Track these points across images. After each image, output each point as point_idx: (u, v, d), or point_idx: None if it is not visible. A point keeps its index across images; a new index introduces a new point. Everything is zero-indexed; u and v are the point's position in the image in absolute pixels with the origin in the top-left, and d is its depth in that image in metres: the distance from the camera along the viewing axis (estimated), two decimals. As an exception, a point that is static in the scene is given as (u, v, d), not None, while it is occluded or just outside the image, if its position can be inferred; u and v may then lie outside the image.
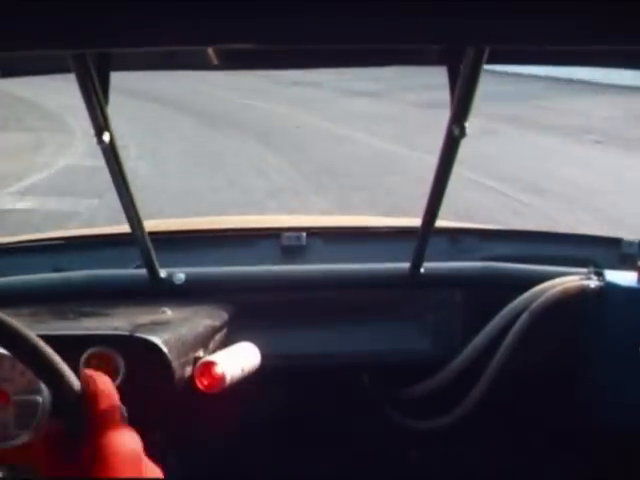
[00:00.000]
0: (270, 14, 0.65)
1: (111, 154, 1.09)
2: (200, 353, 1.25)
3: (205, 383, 1.21)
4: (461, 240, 1.56)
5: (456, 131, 1.05)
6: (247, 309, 1.41)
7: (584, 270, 1.35)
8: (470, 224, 1.82)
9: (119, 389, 1.13)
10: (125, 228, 1.30)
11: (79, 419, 0.72)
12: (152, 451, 0.85)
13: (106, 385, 0.74)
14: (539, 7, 0.63)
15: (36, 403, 1.07)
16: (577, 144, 8.57)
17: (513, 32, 0.74)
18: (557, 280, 1.32)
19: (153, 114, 10.99)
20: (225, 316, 1.38)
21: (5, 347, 0.78)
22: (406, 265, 1.36)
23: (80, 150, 8.12)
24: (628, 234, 1.52)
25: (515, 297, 1.33)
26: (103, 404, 0.72)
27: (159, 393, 1.19)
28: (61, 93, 9.38)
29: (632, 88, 11.31)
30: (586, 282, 1.31)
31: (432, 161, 1.18)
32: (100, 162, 1.13)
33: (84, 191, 6.34)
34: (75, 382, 0.73)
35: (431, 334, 1.43)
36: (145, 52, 0.97)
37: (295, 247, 1.49)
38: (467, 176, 6.24)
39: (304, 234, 1.51)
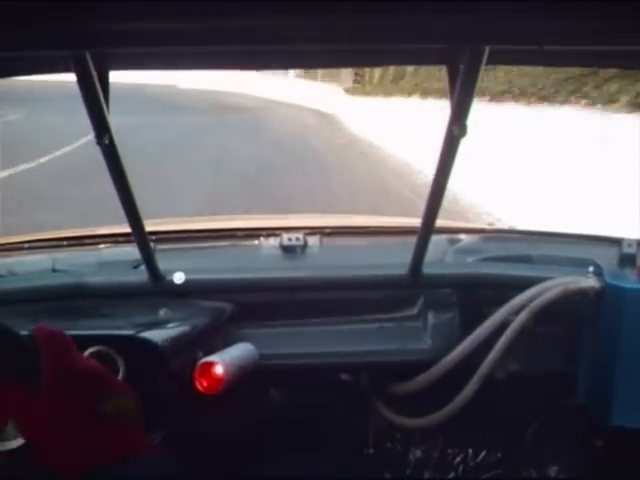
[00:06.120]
0: (270, 15, 0.65)
1: (111, 154, 1.09)
2: (200, 353, 1.25)
3: (204, 384, 1.21)
4: (461, 240, 1.56)
5: (456, 130, 1.05)
6: (247, 309, 1.41)
7: (584, 270, 1.35)
8: (470, 224, 1.82)
9: None
10: (125, 228, 1.30)
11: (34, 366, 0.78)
12: (152, 451, 0.85)
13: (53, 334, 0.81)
14: (539, 7, 0.63)
15: None
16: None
17: (513, 32, 0.74)
18: (557, 280, 1.32)
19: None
20: (225, 316, 1.38)
21: None
22: (406, 265, 1.36)
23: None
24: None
25: (515, 297, 1.33)
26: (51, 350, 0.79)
27: (159, 393, 1.19)
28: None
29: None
30: (586, 282, 1.31)
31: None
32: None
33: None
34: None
35: (431, 334, 1.43)
36: (145, 52, 0.97)
37: (295, 247, 1.49)
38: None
39: (304, 234, 1.50)
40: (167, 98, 19.48)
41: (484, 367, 1.33)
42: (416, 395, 1.42)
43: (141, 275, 1.36)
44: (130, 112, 12.44)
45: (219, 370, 1.21)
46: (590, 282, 1.31)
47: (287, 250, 1.49)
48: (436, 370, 1.37)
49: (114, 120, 1.04)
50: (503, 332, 1.32)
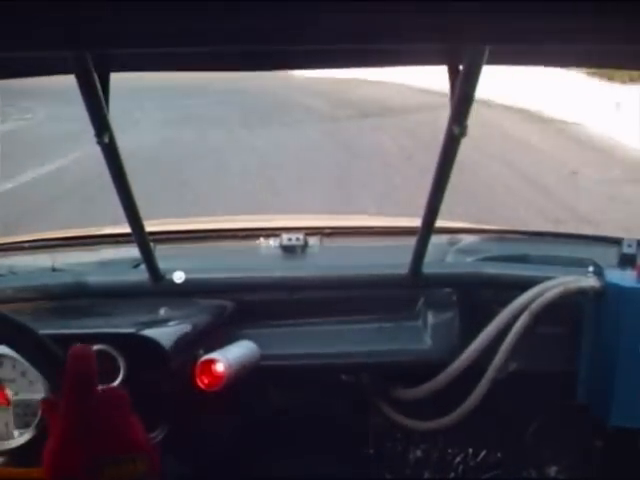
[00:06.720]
0: (270, 14, 0.65)
1: (111, 154, 1.09)
2: (200, 351, 1.25)
3: (206, 381, 1.22)
4: (461, 240, 1.56)
5: (456, 130, 1.05)
6: (247, 309, 1.41)
7: (584, 270, 1.35)
8: (470, 224, 1.82)
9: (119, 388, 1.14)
10: (125, 228, 1.30)
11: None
12: (152, 449, 0.85)
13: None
14: (539, 7, 0.63)
15: (37, 403, 1.08)
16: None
17: (513, 32, 0.74)
18: (557, 280, 1.32)
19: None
20: (225, 315, 1.38)
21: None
22: (406, 265, 1.36)
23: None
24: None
25: (515, 297, 1.33)
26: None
27: (160, 391, 1.19)
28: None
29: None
30: (586, 282, 1.31)
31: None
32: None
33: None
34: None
35: (431, 334, 1.43)
36: (145, 53, 0.97)
37: (295, 247, 1.49)
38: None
39: (304, 234, 1.51)
40: (271, 92, 11.73)
41: (491, 371, 1.33)
42: (422, 399, 1.42)
43: (141, 274, 1.36)
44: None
45: (220, 367, 1.21)
46: (590, 282, 1.31)
47: (287, 250, 1.49)
48: (444, 376, 1.37)
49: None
50: (505, 334, 1.33)
